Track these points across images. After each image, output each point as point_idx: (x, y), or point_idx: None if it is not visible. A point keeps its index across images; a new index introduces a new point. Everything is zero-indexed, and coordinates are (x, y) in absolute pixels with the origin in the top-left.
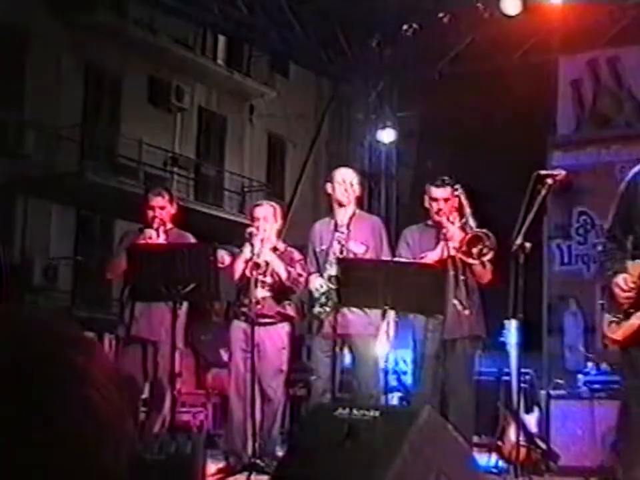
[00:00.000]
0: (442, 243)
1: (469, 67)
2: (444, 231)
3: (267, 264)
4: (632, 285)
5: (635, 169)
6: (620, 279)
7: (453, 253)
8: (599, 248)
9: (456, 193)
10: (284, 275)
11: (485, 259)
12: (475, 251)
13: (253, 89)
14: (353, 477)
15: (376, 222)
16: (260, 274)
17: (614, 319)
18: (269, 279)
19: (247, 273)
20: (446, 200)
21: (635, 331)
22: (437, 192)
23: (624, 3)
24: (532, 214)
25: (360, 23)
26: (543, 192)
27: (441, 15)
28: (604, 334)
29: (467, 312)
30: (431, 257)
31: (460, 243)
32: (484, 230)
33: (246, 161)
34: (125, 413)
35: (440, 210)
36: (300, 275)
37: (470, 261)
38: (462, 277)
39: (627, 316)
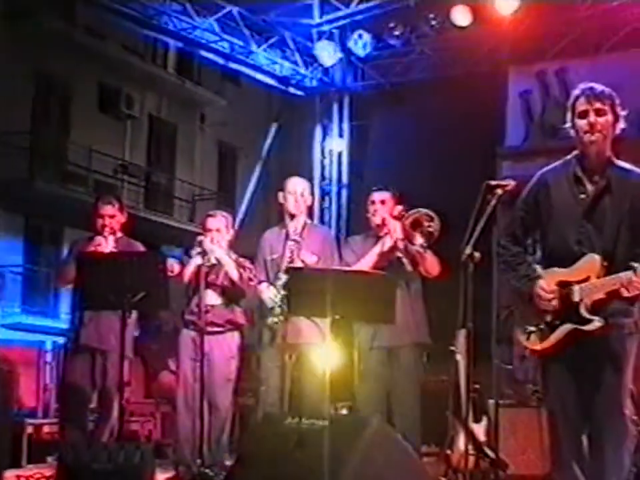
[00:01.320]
0: (386, 237)
1: (420, 76)
2: (384, 230)
3: (219, 262)
4: (552, 294)
5: (538, 174)
6: (541, 284)
7: (390, 244)
8: (502, 251)
9: (397, 201)
10: (235, 275)
11: (435, 235)
12: (419, 234)
13: (203, 97)
14: None
15: (327, 232)
16: (211, 277)
17: (533, 328)
18: (220, 282)
19: (198, 278)
20: (382, 202)
21: (558, 344)
22: (375, 195)
23: (572, 15)
24: (481, 224)
25: (310, 32)
26: (493, 202)
27: (392, 25)
28: (519, 343)
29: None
30: (374, 251)
31: (402, 227)
32: (425, 210)
33: (196, 169)
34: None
35: (376, 211)
36: (250, 280)
37: (416, 247)
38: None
39: (552, 328)
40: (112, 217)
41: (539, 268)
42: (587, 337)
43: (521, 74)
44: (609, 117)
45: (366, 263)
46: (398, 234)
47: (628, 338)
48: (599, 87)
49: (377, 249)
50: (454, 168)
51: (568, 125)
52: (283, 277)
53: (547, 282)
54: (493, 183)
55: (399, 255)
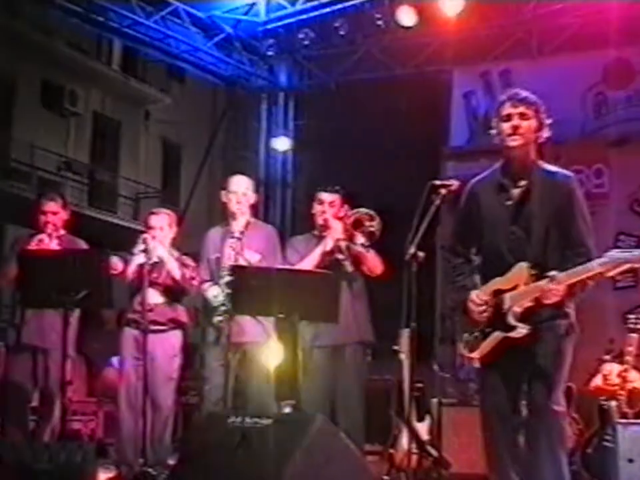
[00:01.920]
0: (325, 239)
1: (365, 76)
2: (327, 230)
3: (161, 261)
4: (485, 299)
5: (468, 185)
6: (474, 295)
7: (332, 245)
8: (447, 264)
9: (362, 211)
10: (178, 274)
11: (377, 234)
12: (360, 234)
13: (148, 95)
14: None
15: (271, 231)
16: (154, 275)
17: (469, 337)
18: (162, 280)
19: (141, 276)
20: (331, 203)
21: (491, 351)
22: (324, 195)
23: (516, 17)
24: (425, 224)
25: (255, 30)
26: (437, 202)
27: (337, 24)
28: (460, 352)
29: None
30: (317, 251)
31: (343, 227)
32: (366, 210)
33: (141, 167)
34: None
35: (323, 212)
36: (193, 278)
37: (357, 246)
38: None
39: (484, 335)
40: (55, 214)
41: (477, 278)
42: (518, 342)
43: (465, 74)
44: (533, 122)
45: (309, 263)
46: (338, 234)
47: (564, 338)
48: (524, 92)
49: (319, 249)
50: (399, 168)
51: (493, 130)
52: (227, 276)
53: (484, 291)
54: (437, 182)
55: (340, 255)
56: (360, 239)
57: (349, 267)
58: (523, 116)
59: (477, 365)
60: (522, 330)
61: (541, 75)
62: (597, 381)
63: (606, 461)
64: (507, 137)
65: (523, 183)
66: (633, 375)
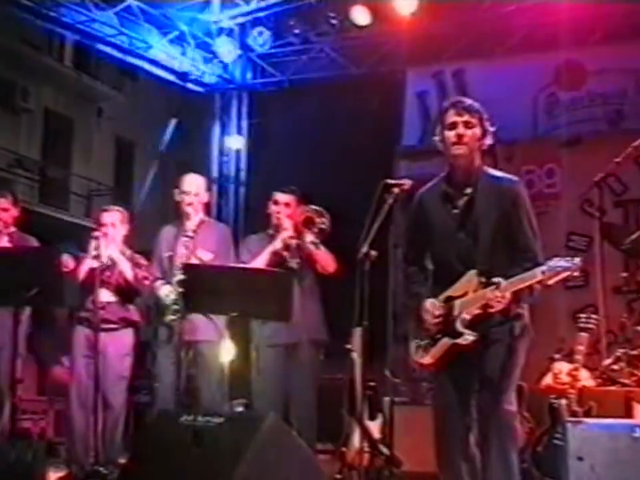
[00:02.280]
0: (275, 238)
1: (320, 75)
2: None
3: (113, 262)
4: (439, 312)
5: (417, 195)
6: (428, 304)
7: (281, 243)
8: (403, 273)
9: (311, 208)
10: (130, 275)
11: (326, 232)
12: (309, 231)
13: (101, 92)
14: None
15: (224, 230)
16: (106, 275)
17: (421, 343)
18: (114, 281)
19: (93, 276)
20: (286, 204)
21: (442, 356)
22: (279, 196)
23: (470, 18)
24: (378, 223)
25: (210, 28)
26: (390, 201)
27: (292, 22)
28: (412, 359)
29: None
30: (267, 250)
31: (294, 226)
32: (315, 207)
33: (93, 164)
34: None
35: (278, 212)
36: (145, 278)
37: (308, 245)
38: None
39: (435, 341)
40: (5, 210)
41: (429, 286)
42: (465, 349)
43: (419, 74)
44: (477, 130)
45: (259, 262)
46: (289, 232)
47: (518, 339)
48: (468, 100)
49: (269, 248)
50: (353, 166)
51: (437, 137)
52: (179, 274)
53: (438, 300)
54: (390, 182)
55: (286, 253)
56: (309, 236)
57: (295, 265)
58: (467, 124)
59: (429, 369)
60: (469, 337)
61: (494, 76)
62: (548, 379)
63: (556, 459)
64: (451, 146)
65: (468, 190)
66: (582, 373)
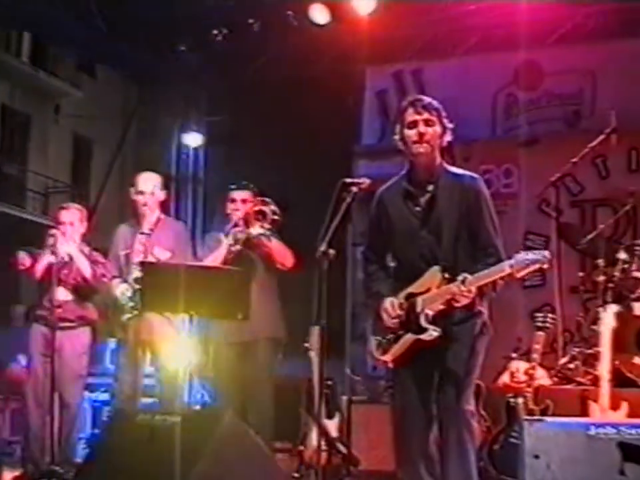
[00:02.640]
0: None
1: (279, 74)
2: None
3: (71, 259)
4: (401, 309)
5: (377, 193)
6: (387, 303)
7: (231, 241)
8: (363, 271)
9: (262, 201)
10: (88, 272)
11: (269, 218)
12: (259, 223)
13: (58, 88)
14: None
15: (181, 228)
16: (63, 273)
17: (382, 340)
18: (72, 279)
19: (50, 274)
20: (244, 201)
21: (404, 353)
22: (235, 193)
23: (429, 17)
24: (336, 221)
25: (168, 26)
26: (348, 200)
27: (251, 21)
28: (373, 356)
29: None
30: (224, 245)
31: (244, 219)
32: (261, 199)
33: (50, 161)
34: None
35: (237, 210)
36: (103, 275)
37: (259, 236)
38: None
39: (397, 338)
40: None
41: (390, 284)
42: (428, 345)
43: (378, 73)
44: (437, 128)
45: (214, 258)
46: (239, 228)
47: (478, 338)
48: (426, 98)
49: (223, 246)
50: (312, 165)
51: (396, 136)
52: (136, 272)
53: (398, 299)
54: (348, 180)
55: (237, 247)
56: (257, 227)
57: (254, 257)
58: (427, 122)
59: (389, 366)
60: (433, 332)
61: (453, 75)
62: (505, 378)
63: (512, 457)
64: (413, 144)
65: (430, 188)
66: (539, 372)
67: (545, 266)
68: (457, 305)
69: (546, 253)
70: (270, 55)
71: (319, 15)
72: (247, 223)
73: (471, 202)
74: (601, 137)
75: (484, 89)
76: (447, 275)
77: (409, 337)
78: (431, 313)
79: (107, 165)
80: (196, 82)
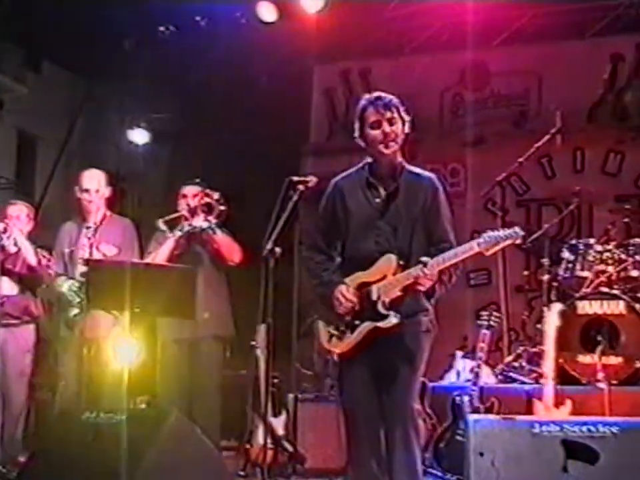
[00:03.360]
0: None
1: (226, 71)
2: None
3: (18, 250)
4: (353, 298)
5: (332, 182)
6: (342, 288)
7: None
8: (307, 261)
9: (207, 193)
10: (33, 260)
11: (216, 211)
12: (208, 215)
13: (3, 84)
14: None
15: (127, 224)
16: (9, 262)
17: (334, 331)
18: (18, 268)
19: None
20: (195, 196)
21: (358, 344)
22: (188, 189)
23: (377, 16)
24: (283, 219)
25: (116, 23)
26: (295, 198)
27: (198, 18)
28: (322, 346)
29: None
30: (170, 240)
31: (191, 210)
32: (206, 191)
33: None
34: None
35: (188, 205)
36: (48, 267)
37: (205, 229)
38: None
39: (352, 328)
40: None
41: (339, 274)
42: (384, 334)
43: (326, 72)
44: (400, 125)
45: (160, 253)
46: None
47: (424, 335)
48: (386, 96)
49: (169, 242)
50: (259, 163)
51: (357, 134)
52: (82, 269)
53: (349, 286)
54: (295, 179)
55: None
56: (201, 220)
57: (200, 250)
58: (390, 121)
59: (336, 358)
60: (393, 319)
61: (401, 74)
62: (451, 376)
63: (458, 455)
64: (378, 144)
65: (391, 182)
66: (485, 370)
67: (518, 241)
68: (421, 288)
69: (517, 229)
70: (218, 52)
71: (267, 12)
72: (192, 216)
73: (428, 200)
74: (547, 137)
75: (431, 89)
76: (402, 262)
77: (366, 325)
78: (387, 299)
79: (53, 161)
80: (143, 79)
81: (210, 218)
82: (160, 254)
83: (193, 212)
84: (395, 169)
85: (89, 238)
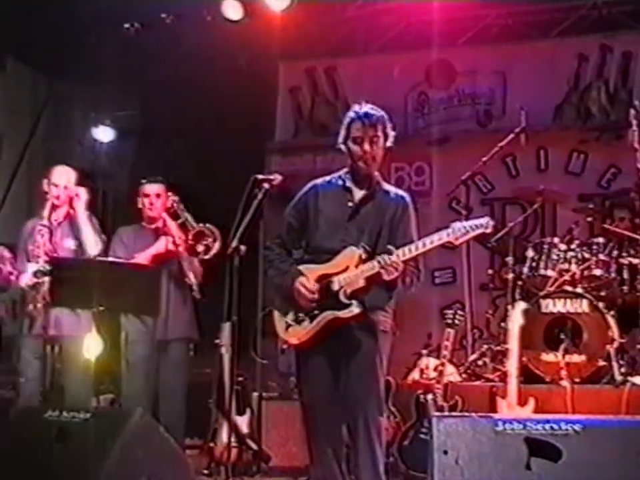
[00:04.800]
0: (162, 238)
1: (192, 69)
2: (160, 224)
3: None
4: (314, 289)
5: (310, 184)
6: (303, 279)
7: (172, 247)
8: (266, 252)
9: (169, 193)
10: None
11: (211, 253)
12: (201, 247)
13: None
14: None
15: (93, 221)
16: None
17: (292, 321)
18: None
19: None
20: (158, 195)
21: (316, 335)
22: (148, 188)
23: (342, 15)
24: (248, 217)
25: (79, 19)
26: (260, 196)
27: (163, 15)
28: (280, 337)
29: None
30: (150, 251)
31: (185, 238)
32: (208, 225)
33: None
34: None
35: (152, 205)
36: (11, 273)
37: (194, 259)
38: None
39: (311, 318)
40: None
41: (303, 266)
42: (344, 324)
43: (291, 70)
44: (381, 142)
45: (142, 260)
46: (174, 234)
47: (382, 335)
48: (374, 113)
49: (153, 250)
50: (224, 161)
51: (340, 140)
52: (45, 267)
53: (308, 277)
54: (260, 177)
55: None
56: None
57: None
58: (372, 139)
59: (293, 349)
60: (355, 309)
61: (366, 73)
62: (415, 374)
63: (422, 453)
64: (357, 159)
65: (365, 190)
66: (449, 368)
67: (488, 230)
68: (385, 277)
69: (487, 218)
70: (183, 50)
71: (233, 11)
72: (189, 244)
73: (398, 213)
74: (511, 137)
75: (396, 87)
76: (365, 255)
77: (326, 315)
78: (349, 290)
79: (16, 159)
80: (108, 76)
81: (201, 249)
82: (140, 259)
83: (190, 243)
84: (371, 181)
85: (52, 234)
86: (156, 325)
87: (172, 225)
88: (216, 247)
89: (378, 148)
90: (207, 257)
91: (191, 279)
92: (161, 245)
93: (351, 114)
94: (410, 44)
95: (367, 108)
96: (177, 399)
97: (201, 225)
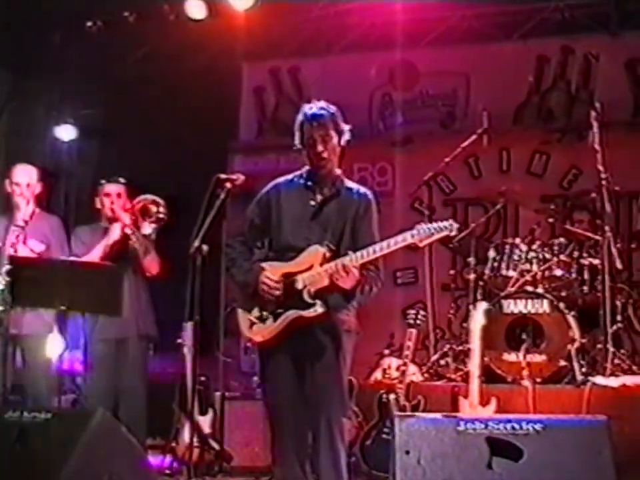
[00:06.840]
0: (114, 225)
1: (156, 68)
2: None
3: None
4: (277, 284)
5: (272, 183)
6: (268, 273)
7: (128, 231)
8: (228, 250)
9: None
10: None
11: (162, 223)
12: (148, 222)
13: None
14: None
15: (56, 221)
16: None
17: (255, 319)
18: None
19: None
20: (118, 195)
21: (280, 333)
22: (110, 187)
23: (306, 15)
24: (211, 217)
25: (42, 17)
26: (222, 195)
27: (126, 13)
28: (243, 335)
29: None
30: (105, 242)
31: (131, 215)
32: (151, 197)
33: None
34: None
35: (112, 204)
36: None
37: (147, 237)
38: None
39: (275, 316)
40: None
41: (266, 263)
42: (309, 323)
43: (255, 70)
44: (334, 140)
45: (95, 255)
46: (126, 222)
47: (346, 334)
48: (322, 113)
49: (104, 241)
50: (187, 160)
51: (296, 142)
52: (8, 266)
53: (273, 273)
54: (223, 176)
55: (134, 242)
56: (147, 227)
57: (142, 255)
58: (324, 138)
59: (256, 347)
60: (319, 308)
61: (330, 73)
62: (377, 374)
63: (384, 453)
64: (314, 159)
65: (328, 190)
66: (411, 368)
67: (452, 233)
68: (338, 280)
69: (451, 221)
70: (146, 49)
71: (196, 10)
72: (136, 221)
73: (361, 211)
74: (473, 137)
75: (360, 88)
76: (329, 254)
77: (290, 314)
78: (313, 289)
79: None
80: (70, 74)
81: (153, 225)
82: (93, 254)
83: (136, 220)
84: (332, 179)
85: (17, 234)
86: (114, 323)
87: (119, 212)
88: (163, 210)
89: (332, 146)
90: (160, 227)
91: (141, 253)
92: (116, 233)
93: (300, 116)
94: (374, 45)
95: (316, 108)
96: (137, 398)
97: (141, 197)
